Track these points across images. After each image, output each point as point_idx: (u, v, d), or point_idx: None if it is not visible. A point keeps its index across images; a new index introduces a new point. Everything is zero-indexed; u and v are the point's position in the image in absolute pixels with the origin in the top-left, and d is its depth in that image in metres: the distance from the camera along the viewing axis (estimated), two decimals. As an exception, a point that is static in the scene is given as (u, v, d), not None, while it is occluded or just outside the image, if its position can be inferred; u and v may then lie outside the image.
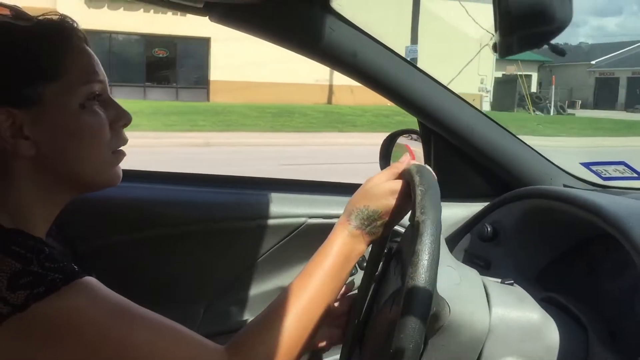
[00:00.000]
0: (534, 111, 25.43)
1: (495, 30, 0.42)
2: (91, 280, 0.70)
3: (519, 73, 25.86)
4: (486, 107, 24.16)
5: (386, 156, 1.53)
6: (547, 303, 0.94)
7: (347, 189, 1.42)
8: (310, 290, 0.80)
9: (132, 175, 1.36)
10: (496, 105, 24.59)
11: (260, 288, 1.36)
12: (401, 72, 1.19)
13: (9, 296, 0.63)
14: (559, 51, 0.48)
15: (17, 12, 0.78)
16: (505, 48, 0.45)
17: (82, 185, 0.82)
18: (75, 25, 0.82)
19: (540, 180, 1.30)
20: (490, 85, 25.13)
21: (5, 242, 0.68)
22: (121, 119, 0.83)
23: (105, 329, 0.67)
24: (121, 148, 0.85)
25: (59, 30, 0.79)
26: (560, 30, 0.43)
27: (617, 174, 1.25)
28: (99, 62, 0.83)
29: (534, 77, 30.98)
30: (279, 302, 0.80)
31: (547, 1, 0.38)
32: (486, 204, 1.29)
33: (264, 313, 0.80)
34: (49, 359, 0.66)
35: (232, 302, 1.35)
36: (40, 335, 0.65)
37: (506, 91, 25.71)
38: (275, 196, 1.36)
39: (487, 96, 24.85)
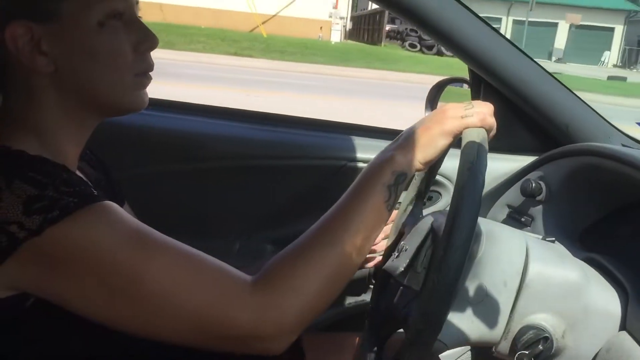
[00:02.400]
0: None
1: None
2: (109, 204, 0.68)
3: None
4: (336, 37, 22.39)
5: (432, 106, 1.49)
6: (588, 263, 0.91)
7: (386, 134, 1.40)
8: (352, 222, 0.74)
9: (173, 107, 1.37)
10: (355, 35, 22.64)
11: (296, 227, 1.36)
12: (454, 16, 1.14)
13: (24, 221, 0.63)
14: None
15: None
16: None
17: (104, 108, 0.79)
18: None
19: (596, 138, 1.24)
20: (347, 12, 23.03)
21: (24, 168, 0.68)
22: (146, 41, 0.79)
23: (120, 256, 0.65)
24: (147, 73, 0.81)
25: None
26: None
27: (680, 136, 1.18)
28: None
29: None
30: (316, 233, 0.74)
31: None
32: (533, 158, 1.25)
33: (299, 242, 0.74)
34: (63, 285, 0.65)
35: (267, 240, 1.37)
36: (55, 260, 0.64)
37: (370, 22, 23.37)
38: (315, 137, 1.35)
39: (338, 24, 22.67)
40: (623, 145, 1.26)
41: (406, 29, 24.35)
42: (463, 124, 0.78)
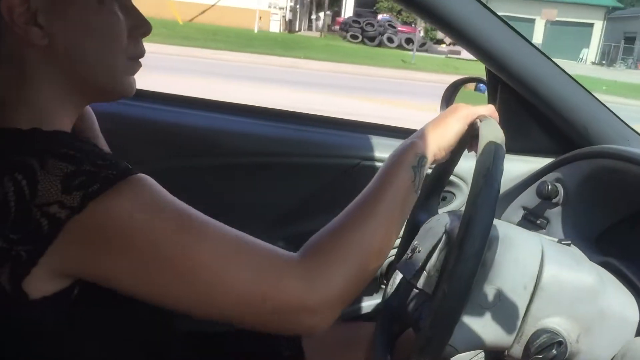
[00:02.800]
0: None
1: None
2: (147, 177, 0.67)
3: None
4: (275, 27, 22.31)
5: (448, 104, 1.48)
6: (604, 267, 0.89)
7: (401, 133, 1.39)
8: (385, 199, 0.77)
9: (188, 102, 1.37)
10: (294, 26, 22.50)
11: (309, 226, 1.36)
12: (472, 14, 1.12)
13: (65, 199, 0.61)
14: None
15: None
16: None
17: (95, 90, 0.77)
18: None
19: (615, 141, 1.22)
20: (287, 2, 22.82)
21: (53, 145, 0.66)
22: (141, 27, 0.78)
23: (167, 225, 0.64)
24: (138, 59, 0.79)
25: None
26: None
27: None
28: None
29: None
30: (353, 209, 0.77)
31: None
32: (550, 160, 1.23)
33: (337, 221, 0.76)
34: (110, 261, 0.63)
35: (280, 238, 1.36)
36: (101, 236, 0.62)
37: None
38: (330, 134, 1.34)
39: (277, 14, 22.53)
40: None
41: (350, 19, 24.19)
42: (474, 110, 0.88)
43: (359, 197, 0.79)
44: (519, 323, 0.78)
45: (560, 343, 0.77)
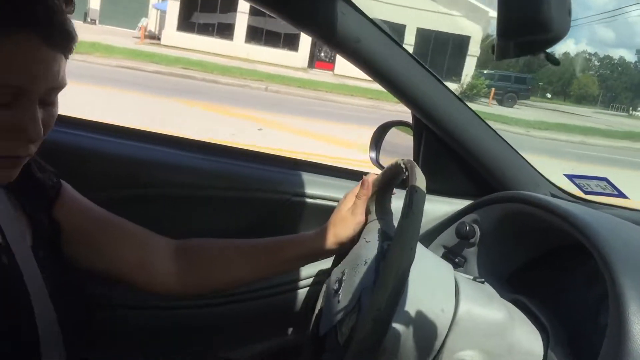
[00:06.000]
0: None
1: (497, 34, 0.43)
2: None
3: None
4: None
5: (377, 148, 1.55)
6: (514, 305, 0.97)
7: (331, 171, 1.44)
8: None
9: (118, 132, 1.38)
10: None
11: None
12: (401, 63, 1.20)
13: None
14: (552, 60, 0.50)
15: None
16: (502, 51, 0.47)
17: None
18: None
19: (526, 186, 1.33)
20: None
21: None
22: (22, 131, 0.72)
23: None
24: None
25: None
26: (557, 41, 0.44)
27: (599, 189, 1.28)
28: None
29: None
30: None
31: (546, 12, 0.40)
32: (469, 202, 1.32)
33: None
34: None
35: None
36: None
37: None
38: (260, 170, 1.38)
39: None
40: (552, 194, 1.35)
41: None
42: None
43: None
44: (434, 355, 0.83)
45: None
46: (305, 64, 25.65)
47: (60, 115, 0.83)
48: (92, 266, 0.96)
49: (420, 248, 0.87)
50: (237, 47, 24.83)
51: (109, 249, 0.97)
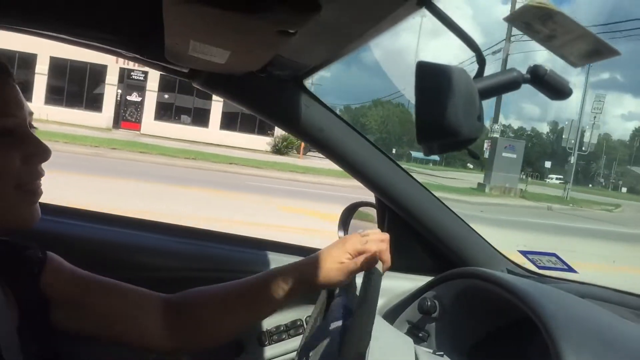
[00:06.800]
0: None
1: (417, 137, 0.52)
2: None
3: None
4: None
5: (345, 227, 1.62)
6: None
7: (302, 251, 1.50)
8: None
9: (90, 217, 1.44)
10: None
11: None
12: (362, 149, 1.30)
13: None
14: (473, 155, 0.59)
15: None
16: (427, 149, 0.56)
17: None
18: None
19: (484, 263, 1.41)
20: None
21: None
22: (37, 154, 0.83)
23: None
24: (36, 188, 0.84)
25: None
26: (470, 142, 0.53)
27: (550, 264, 1.36)
28: (18, 95, 0.82)
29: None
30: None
31: (453, 119, 0.49)
32: (430, 278, 1.38)
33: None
34: None
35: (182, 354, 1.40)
36: None
37: None
38: (230, 250, 1.44)
39: None
40: (508, 270, 1.43)
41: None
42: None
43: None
44: None
45: None
46: (110, 124, 25.85)
47: (44, 204, 0.90)
48: (82, 329, 0.96)
49: (382, 324, 0.93)
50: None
51: (98, 310, 0.97)
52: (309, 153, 26.49)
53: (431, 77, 0.50)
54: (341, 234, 1.63)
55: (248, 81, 1.17)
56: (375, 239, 0.99)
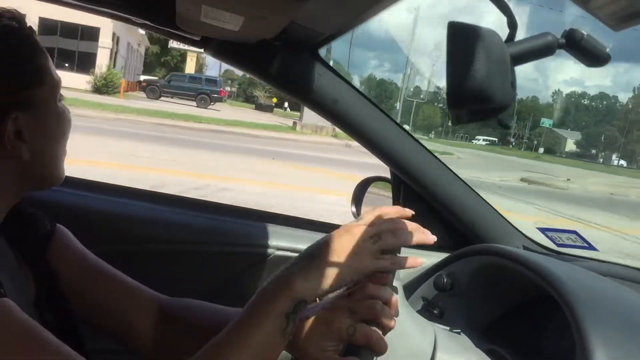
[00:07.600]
0: None
1: (448, 104, 0.49)
2: (4, 302, 0.68)
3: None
4: None
5: (358, 203, 1.59)
6: (489, 355, 1.00)
7: (316, 226, 1.48)
8: (244, 349, 0.69)
9: (96, 187, 1.42)
10: None
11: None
12: (377, 122, 1.27)
13: None
14: (504, 125, 0.55)
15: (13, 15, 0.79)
16: (456, 118, 0.52)
17: (39, 181, 0.84)
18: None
19: (500, 239, 1.38)
20: None
21: None
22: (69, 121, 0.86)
23: (12, 353, 0.66)
24: None
25: (33, 33, 0.81)
26: (502, 110, 0.50)
27: (570, 242, 1.33)
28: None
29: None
30: (221, 348, 0.70)
31: (488, 85, 0.45)
32: (446, 255, 1.36)
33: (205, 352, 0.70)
34: None
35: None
36: None
37: None
38: (246, 225, 1.41)
39: None
40: (524, 247, 1.40)
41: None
42: (375, 266, 0.76)
43: (218, 338, 0.70)
44: None
45: None
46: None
47: None
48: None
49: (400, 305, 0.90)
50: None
51: (91, 298, 0.95)
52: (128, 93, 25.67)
53: (463, 39, 0.47)
54: (354, 209, 1.60)
55: (261, 49, 1.13)
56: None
